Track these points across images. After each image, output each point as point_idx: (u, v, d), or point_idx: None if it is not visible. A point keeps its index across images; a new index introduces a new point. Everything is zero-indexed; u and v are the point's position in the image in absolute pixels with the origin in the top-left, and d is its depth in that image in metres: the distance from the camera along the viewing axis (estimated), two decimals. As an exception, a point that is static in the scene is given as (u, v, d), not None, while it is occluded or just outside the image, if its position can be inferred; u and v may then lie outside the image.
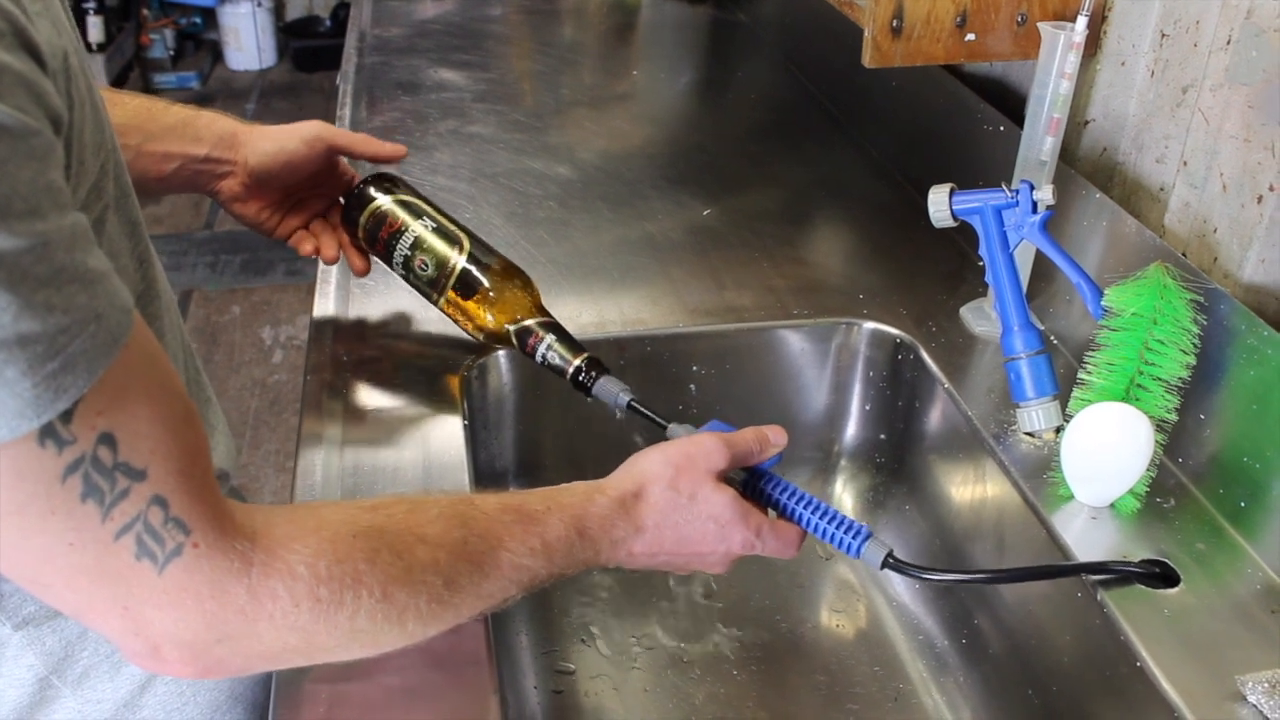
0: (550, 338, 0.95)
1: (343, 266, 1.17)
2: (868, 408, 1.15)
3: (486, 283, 0.98)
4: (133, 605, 0.55)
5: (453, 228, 1.01)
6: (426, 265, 1.00)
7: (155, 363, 0.56)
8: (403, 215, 1.01)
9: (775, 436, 0.83)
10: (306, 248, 1.05)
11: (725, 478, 0.80)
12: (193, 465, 0.56)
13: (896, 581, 1.08)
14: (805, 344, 1.12)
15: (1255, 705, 0.74)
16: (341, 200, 1.05)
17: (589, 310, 1.12)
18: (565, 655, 1.01)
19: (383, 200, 1.02)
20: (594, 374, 0.92)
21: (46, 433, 0.49)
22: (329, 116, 1.50)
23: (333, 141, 1.01)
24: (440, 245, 1.00)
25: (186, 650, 0.57)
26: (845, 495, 1.16)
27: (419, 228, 1.00)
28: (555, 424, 1.13)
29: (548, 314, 0.98)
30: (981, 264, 1.23)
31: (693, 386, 1.13)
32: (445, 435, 0.95)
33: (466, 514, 0.69)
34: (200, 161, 0.97)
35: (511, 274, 1.00)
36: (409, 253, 1.00)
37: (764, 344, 1.12)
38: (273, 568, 0.58)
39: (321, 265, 1.14)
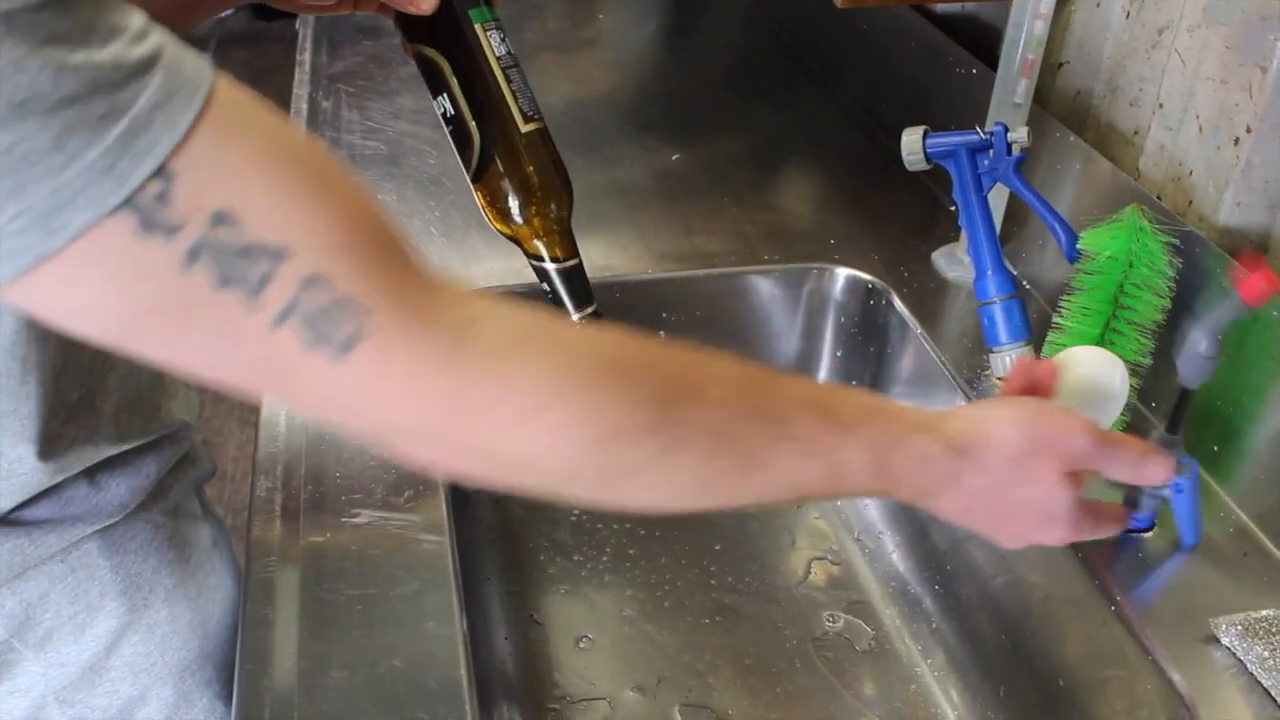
0: (551, 284, 0.80)
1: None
2: (839, 354, 1.14)
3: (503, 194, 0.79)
4: (322, 400, 0.48)
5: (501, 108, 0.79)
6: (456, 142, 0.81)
7: (264, 122, 0.46)
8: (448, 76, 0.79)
9: (1163, 468, 0.68)
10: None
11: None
12: (355, 234, 0.47)
13: (870, 528, 1.07)
14: (776, 290, 1.11)
15: (1229, 648, 0.74)
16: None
17: (557, 257, 1.10)
18: (536, 607, 1.00)
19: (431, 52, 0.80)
20: None
21: (147, 224, 0.42)
22: (289, 65, 1.46)
23: None
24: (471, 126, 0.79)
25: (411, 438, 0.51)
26: (817, 443, 1.15)
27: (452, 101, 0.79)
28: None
29: (561, 252, 0.80)
30: (954, 209, 1.22)
31: (662, 333, 1.11)
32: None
33: (762, 388, 0.56)
34: None
35: (534, 190, 0.79)
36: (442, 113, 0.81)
37: (734, 290, 1.11)
38: (503, 367, 0.49)
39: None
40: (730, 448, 0.54)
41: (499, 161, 0.78)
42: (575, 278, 0.80)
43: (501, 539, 1.05)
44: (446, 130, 0.80)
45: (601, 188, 1.24)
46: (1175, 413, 0.80)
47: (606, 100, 1.48)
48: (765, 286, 1.11)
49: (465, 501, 1.06)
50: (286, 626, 0.72)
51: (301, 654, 0.70)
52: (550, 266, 0.79)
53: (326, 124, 1.33)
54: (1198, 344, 0.77)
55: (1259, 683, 0.71)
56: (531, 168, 0.79)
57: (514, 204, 0.78)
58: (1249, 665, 0.72)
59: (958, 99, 1.20)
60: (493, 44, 0.79)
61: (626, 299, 1.09)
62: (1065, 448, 0.64)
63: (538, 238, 0.80)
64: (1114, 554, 0.81)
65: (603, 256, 1.10)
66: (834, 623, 0.99)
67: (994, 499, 0.64)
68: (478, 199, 0.80)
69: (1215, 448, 0.87)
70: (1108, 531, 0.68)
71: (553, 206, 0.80)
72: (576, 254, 0.80)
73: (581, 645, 0.97)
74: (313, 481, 0.83)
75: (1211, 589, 0.79)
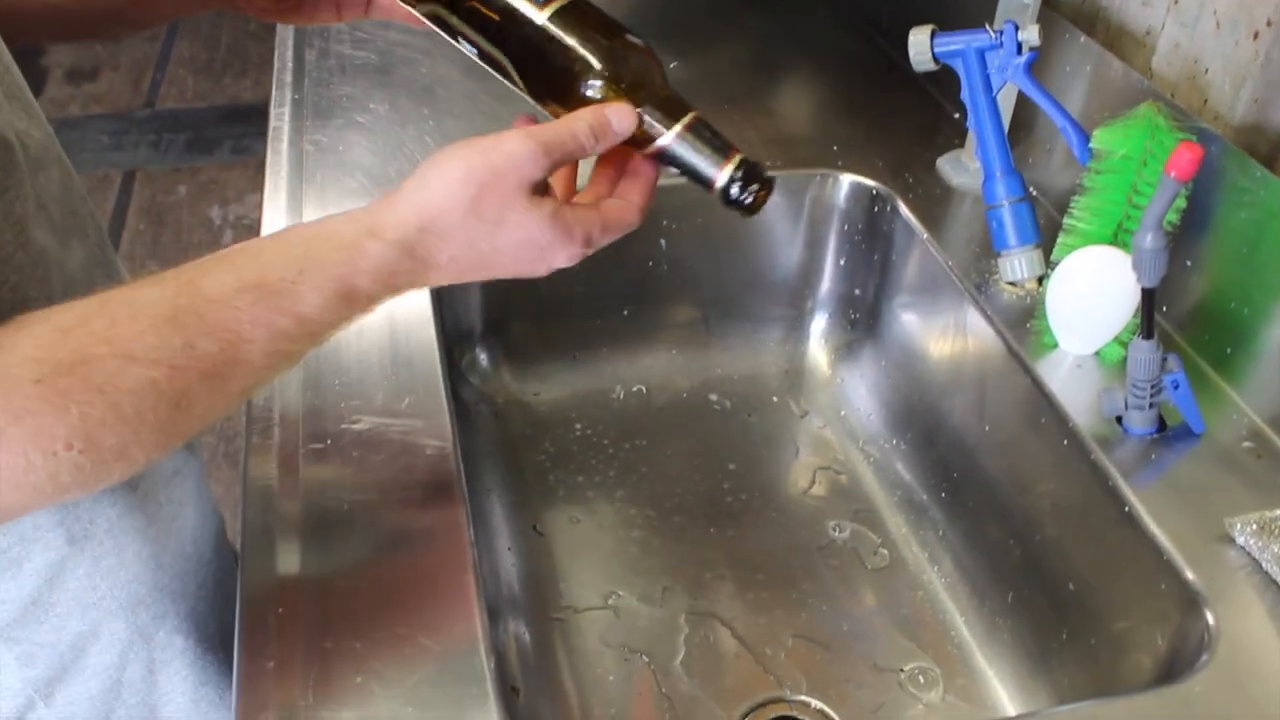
0: (679, 163, 0.66)
1: (294, 149, 1.12)
2: (842, 262, 1.12)
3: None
4: None
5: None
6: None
7: None
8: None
9: (617, 119, 0.63)
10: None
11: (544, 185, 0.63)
12: None
13: (875, 438, 1.06)
14: (779, 196, 1.09)
15: (1243, 547, 0.73)
16: None
17: (555, 165, 1.08)
18: (539, 519, 0.99)
19: None
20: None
21: None
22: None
23: None
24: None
25: None
26: (819, 351, 1.14)
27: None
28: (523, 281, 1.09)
29: (664, 112, 0.65)
30: (958, 116, 1.20)
31: (663, 242, 1.09)
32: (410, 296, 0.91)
33: (188, 309, 0.55)
34: None
35: (589, 70, 0.66)
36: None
37: (737, 198, 1.08)
38: None
39: (272, 140, 1.09)
40: (190, 389, 0.55)
41: (539, 64, 0.67)
42: (699, 137, 0.66)
43: (503, 451, 1.04)
44: (490, 70, 0.71)
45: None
46: (1144, 315, 0.79)
47: (600, 7, 1.44)
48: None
49: (466, 413, 1.05)
50: (288, 535, 0.71)
51: (305, 562, 0.69)
52: (665, 142, 0.65)
53: (315, 34, 1.29)
54: (1143, 240, 0.76)
55: (1274, 581, 0.71)
56: (574, 46, 0.66)
57: (586, 91, 0.66)
58: (1264, 564, 0.71)
59: (960, 5, 1.17)
60: None
61: (626, 207, 1.06)
62: (514, 172, 0.61)
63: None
64: (1126, 458, 0.80)
65: (602, 164, 1.08)
66: (840, 532, 0.99)
67: (477, 256, 0.62)
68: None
69: (1228, 350, 0.86)
70: (622, 227, 0.65)
71: (622, 70, 0.66)
72: (686, 109, 0.66)
73: (585, 556, 0.96)
74: (310, 389, 0.81)
75: (1224, 490, 0.78)
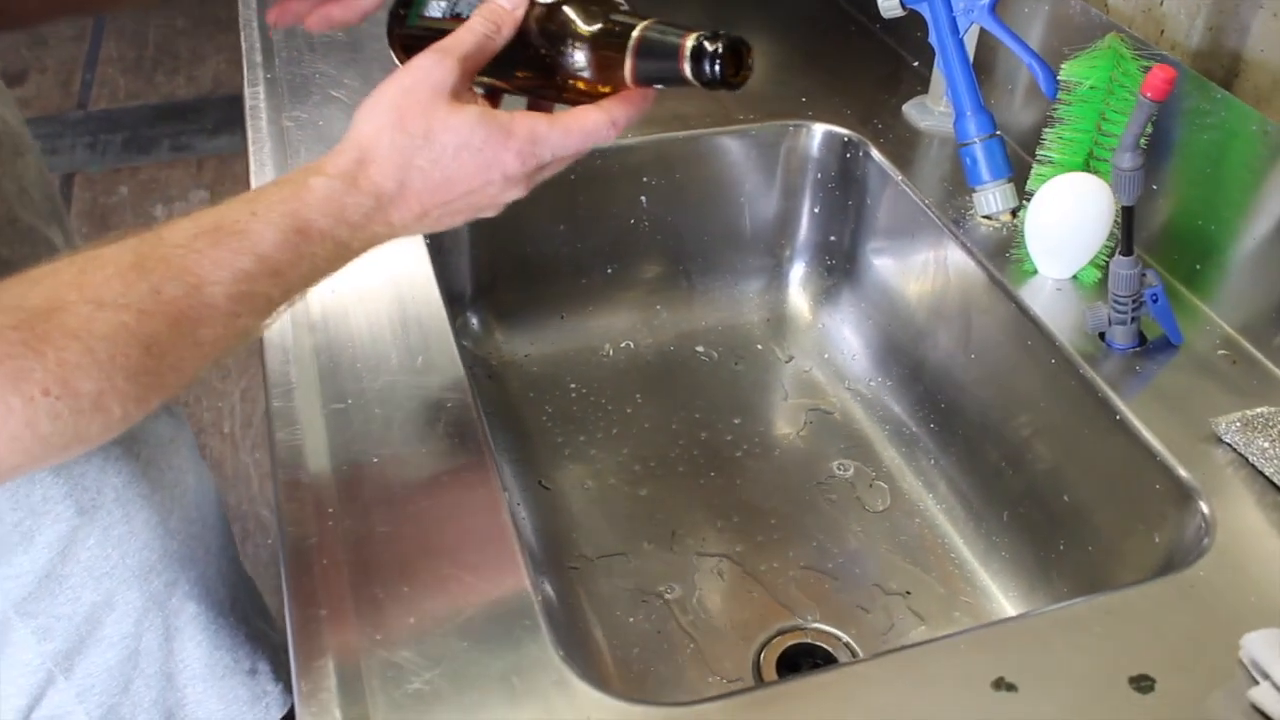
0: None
1: (274, 126, 1.13)
2: (816, 210, 1.15)
3: None
4: None
5: None
6: None
7: None
8: None
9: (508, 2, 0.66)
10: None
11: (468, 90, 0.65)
12: None
13: (861, 376, 1.10)
14: (755, 148, 1.11)
15: (1230, 444, 0.77)
16: None
17: (534, 129, 1.09)
18: (544, 474, 1.01)
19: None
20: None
21: None
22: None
23: None
24: None
25: None
26: (800, 298, 1.17)
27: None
28: (509, 242, 1.11)
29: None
30: (916, 64, 1.23)
31: (644, 198, 1.12)
32: (411, 260, 0.92)
33: (151, 255, 0.56)
34: None
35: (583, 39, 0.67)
36: None
37: (713, 150, 1.11)
38: None
39: (250, 119, 1.09)
40: (159, 333, 0.55)
41: (551, 62, 0.68)
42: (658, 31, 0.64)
43: (502, 412, 1.06)
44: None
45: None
46: (1124, 233, 0.82)
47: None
48: (745, 146, 1.11)
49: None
50: (321, 490, 0.72)
51: (341, 514, 0.71)
52: (682, 66, 0.62)
53: (276, 15, 1.29)
54: (1121, 160, 0.80)
55: (1261, 473, 0.75)
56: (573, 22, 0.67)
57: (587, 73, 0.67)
58: (1250, 458, 0.76)
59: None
60: None
61: (606, 165, 1.09)
62: (420, 83, 0.62)
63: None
64: (1112, 371, 0.84)
65: (580, 126, 1.10)
66: (836, 468, 1.02)
67: (420, 177, 0.62)
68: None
69: (1197, 266, 0.90)
70: (580, 132, 0.64)
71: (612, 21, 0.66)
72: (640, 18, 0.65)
73: (594, 508, 0.99)
74: (324, 353, 0.83)
75: (1206, 395, 0.82)
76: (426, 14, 0.74)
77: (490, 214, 0.68)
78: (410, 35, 0.76)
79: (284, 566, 0.68)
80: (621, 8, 0.68)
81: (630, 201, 1.11)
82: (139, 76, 3.50)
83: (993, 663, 0.63)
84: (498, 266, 1.11)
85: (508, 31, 0.66)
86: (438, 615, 0.65)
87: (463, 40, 0.65)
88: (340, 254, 0.62)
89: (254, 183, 1.01)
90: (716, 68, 0.62)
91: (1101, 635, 0.65)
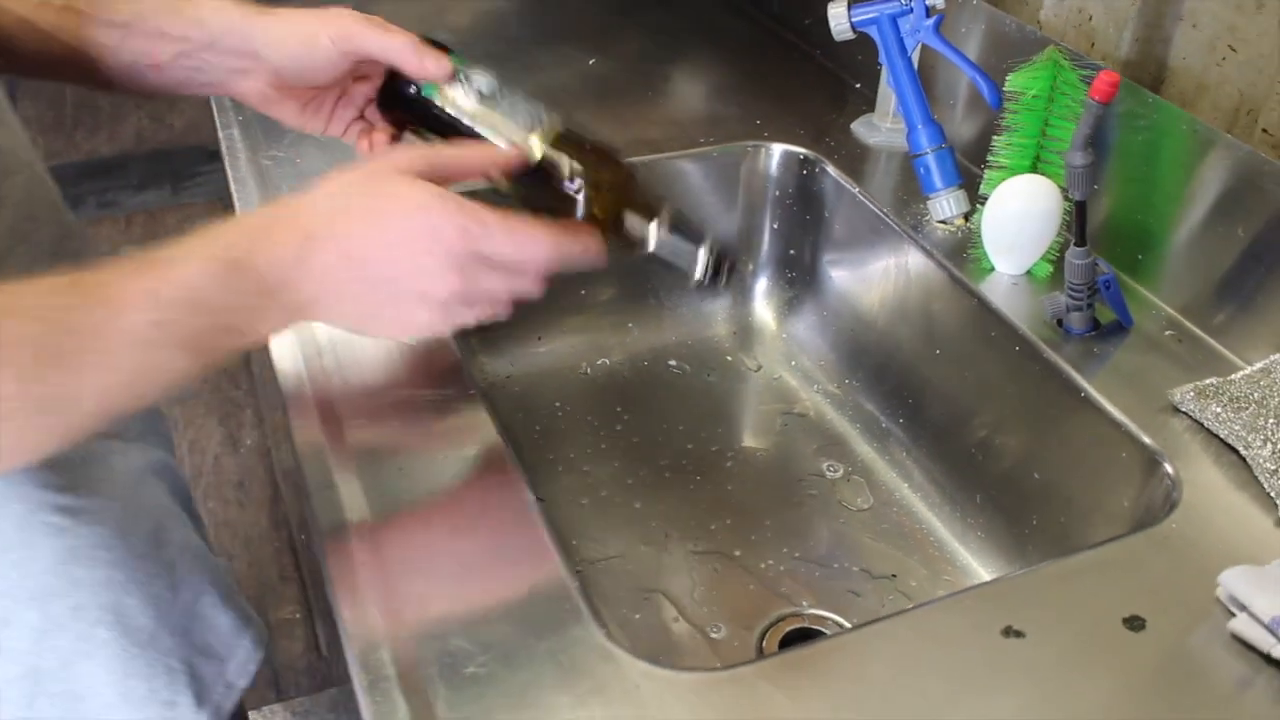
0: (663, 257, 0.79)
1: (253, 165, 1.16)
2: (775, 226, 1.21)
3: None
4: None
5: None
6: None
7: None
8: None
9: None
10: (371, 141, 0.85)
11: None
12: None
13: (831, 377, 1.16)
14: (717, 169, 1.18)
15: (1186, 412, 0.85)
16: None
17: (508, 158, 1.14)
18: (539, 489, 1.05)
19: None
20: None
21: None
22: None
23: (366, 49, 0.81)
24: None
25: None
26: (764, 310, 1.23)
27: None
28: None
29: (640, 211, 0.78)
30: (859, 86, 1.31)
31: (615, 223, 1.17)
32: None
33: (81, 279, 0.58)
34: (207, 50, 0.80)
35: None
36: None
37: (680, 172, 1.17)
38: None
39: (229, 158, 1.12)
40: (66, 350, 0.56)
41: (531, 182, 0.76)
42: (673, 233, 0.77)
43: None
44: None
45: (534, 94, 1.27)
46: (1077, 225, 0.90)
47: (512, 13, 1.51)
48: (706, 167, 1.17)
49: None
50: (352, 497, 0.75)
51: (375, 518, 0.74)
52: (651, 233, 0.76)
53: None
54: (1073, 159, 0.87)
55: (1216, 435, 0.82)
56: (560, 163, 0.77)
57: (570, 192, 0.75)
58: (1205, 423, 0.83)
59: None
60: (458, 99, 0.79)
61: (579, 191, 1.14)
62: (382, 162, 0.65)
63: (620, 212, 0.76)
64: (1072, 354, 0.91)
65: (551, 154, 1.15)
66: (815, 465, 1.08)
67: (345, 214, 0.64)
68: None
69: (1139, 256, 0.98)
70: (526, 242, 0.68)
71: (600, 176, 0.77)
72: (659, 209, 0.78)
73: (588, 517, 1.03)
74: (337, 375, 0.86)
75: (1158, 371, 0.89)
76: (440, 100, 0.80)
77: (422, 315, 0.69)
78: (411, 108, 0.81)
79: (327, 569, 0.72)
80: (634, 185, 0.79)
81: (601, 224, 1.16)
82: (59, 135, 3.48)
83: (999, 613, 0.68)
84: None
85: (495, 176, 0.71)
86: (484, 604, 0.68)
87: (451, 158, 0.69)
88: (269, 300, 0.63)
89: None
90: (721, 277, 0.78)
91: (1093, 584, 0.71)
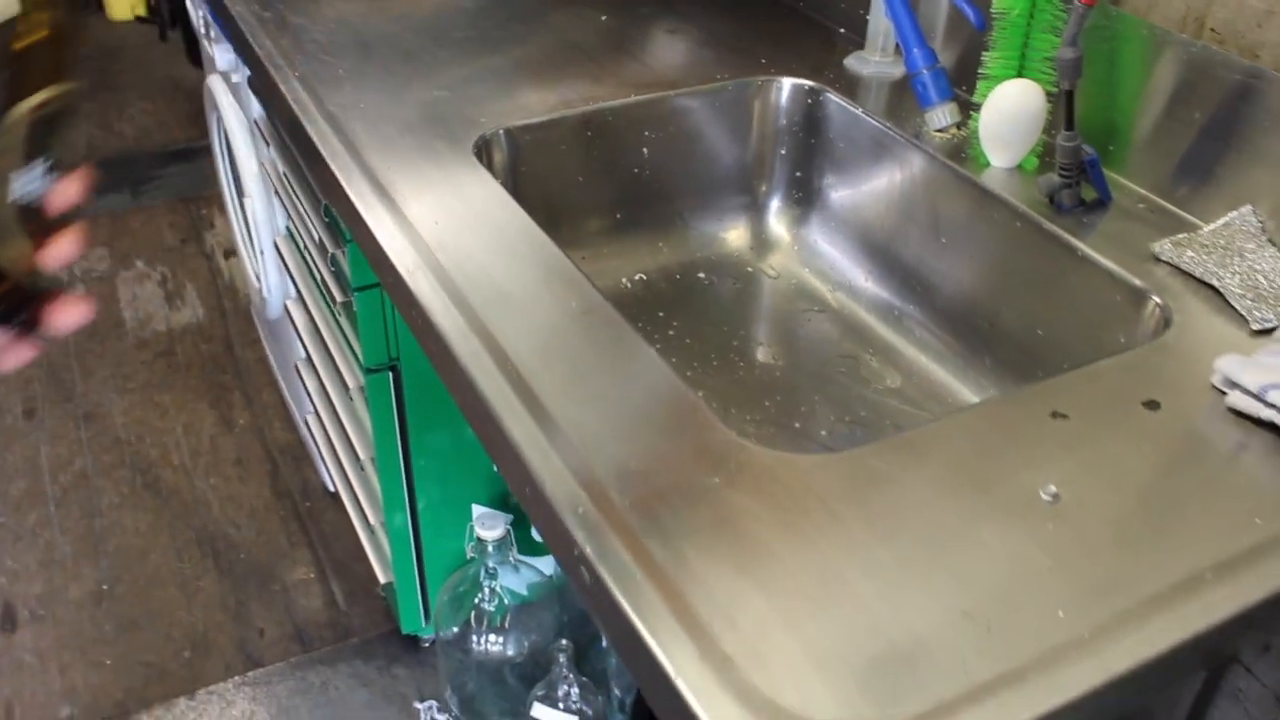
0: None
1: (322, 110, 1.28)
2: (782, 152, 1.38)
3: None
4: None
5: None
6: None
7: None
8: None
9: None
10: None
11: None
12: None
13: (844, 277, 1.32)
14: (734, 101, 1.33)
15: (1167, 260, 1.02)
16: None
17: (552, 96, 1.29)
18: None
19: None
20: None
21: None
22: None
23: None
24: None
25: None
26: (778, 225, 1.39)
27: None
28: (539, 193, 1.29)
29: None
30: (843, 31, 1.48)
31: (645, 150, 1.32)
32: (496, 204, 1.10)
33: None
34: None
35: None
36: None
37: (701, 105, 1.32)
38: None
39: (299, 107, 1.24)
40: None
41: None
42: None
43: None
44: None
45: (560, 47, 1.43)
46: (1067, 113, 1.07)
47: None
48: (726, 99, 1.33)
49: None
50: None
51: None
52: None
53: (283, 30, 1.45)
54: (1065, 53, 1.05)
55: (1192, 275, 1.00)
56: None
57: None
58: (1183, 265, 1.01)
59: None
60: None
61: (615, 121, 1.29)
62: None
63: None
64: (1066, 224, 1.08)
65: (589, 89, 1.30)
66: (843, 348, 1.24)
67: None
68: None
69: (1110, 146, 1.16)
70: None
71: None
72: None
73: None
74: (465, 282, 0.99)
75: (1138, 233, 1.07)
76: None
77: None
78: None
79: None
80: None
81: (634, 153, 1.32)
82: (11, 147, 3.51)
83: (1043, 403, 0.85)
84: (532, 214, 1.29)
85: None
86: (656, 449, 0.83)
87: None
88: None
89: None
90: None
91: (1115, 380, 0.88)
